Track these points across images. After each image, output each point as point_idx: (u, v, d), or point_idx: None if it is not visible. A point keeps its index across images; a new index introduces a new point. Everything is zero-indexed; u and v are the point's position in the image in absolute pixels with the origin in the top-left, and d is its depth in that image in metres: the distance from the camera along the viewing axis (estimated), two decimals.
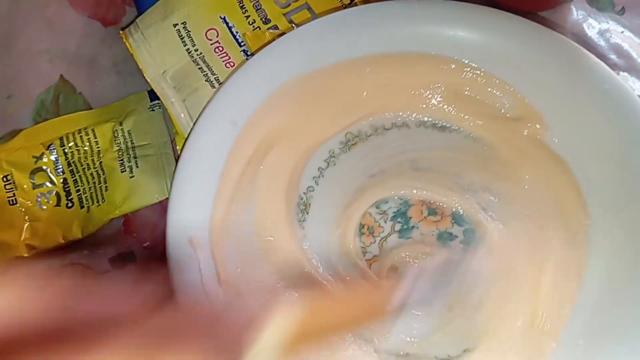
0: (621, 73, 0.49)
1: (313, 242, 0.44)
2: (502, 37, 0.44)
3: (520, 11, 0.45)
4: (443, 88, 0.45)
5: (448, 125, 0.46)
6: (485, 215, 0.43)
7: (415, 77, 0.46)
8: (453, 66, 0.45)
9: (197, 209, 0.42)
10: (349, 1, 0.48)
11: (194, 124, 0.43)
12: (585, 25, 0.51)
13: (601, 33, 0.51)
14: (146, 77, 0.46)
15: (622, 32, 0.51)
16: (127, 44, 0.47)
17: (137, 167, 0.47)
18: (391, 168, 0.45)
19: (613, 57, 0.50)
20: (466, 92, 0.45)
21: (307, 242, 0.44)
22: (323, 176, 0.45)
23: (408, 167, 0.45)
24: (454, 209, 0.44)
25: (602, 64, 0.43)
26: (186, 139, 0.43)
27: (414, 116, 0.46)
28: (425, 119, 0.46)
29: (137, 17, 0.48)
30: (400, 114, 0.46)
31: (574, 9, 0.51)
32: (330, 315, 0.30)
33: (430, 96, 0.46)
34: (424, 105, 0.46)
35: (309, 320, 0.28)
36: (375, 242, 0.44)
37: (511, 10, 0.44)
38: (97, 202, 0.46)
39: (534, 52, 0.44)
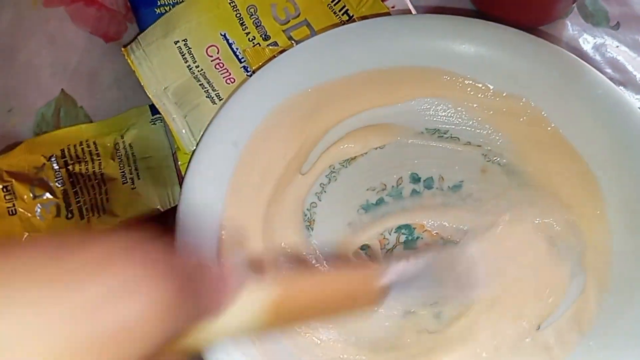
0: (617, 87, 0.50)
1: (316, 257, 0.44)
2: (492, 47, 0.45)
3: (517, 27, 0.45)
4: (440, 99, 0.46)
5: (446, 135, 0.46)
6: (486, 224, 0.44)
7: (415, 89, 0.46)
8: (446, 78, 0.46)
9: (204, 231, 0.41)
10: (347, 17, 0.49)
11: (196, 147, 0.43)
12: (581, 40, 0.52)
13: (597, 47, 0.52)
14: (148, 94, 0.46)
15: (618, 46, 0.52)
16: (129, 60, 0.47)
17: (139, 178, 0.47)
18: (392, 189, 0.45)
19: (609, 71, 0.50)
20: (466, 103, 0.46)
21: (312, 259, 0.44)
22: (325, 192, 0.45)
23: (408, 181, 0.45)
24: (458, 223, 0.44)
25: (595, 70, 0.44)
26: (189, 163, 0.42)
27: (412, 127, 0.46)
28: (424, 129, 0.46)
29: (138, 34, 0.49)
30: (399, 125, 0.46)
31: (569, 25, 0.52)
32: (311, 295, 0.29)
33: (428, 107, 0.47)
34: (424, 117, 0.47)
35: (287, 297, 0.27)
36: (380, 254, 0.44)
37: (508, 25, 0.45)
38: (98, 213, 0.46)
39: (525, 60, 0.45)
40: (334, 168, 0.46)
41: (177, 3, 0.50)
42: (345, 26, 0.46)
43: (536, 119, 0.45)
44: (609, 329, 0.39)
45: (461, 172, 0.46)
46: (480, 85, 0.46)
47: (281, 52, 0.46)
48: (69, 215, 0.45)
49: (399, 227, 0.44)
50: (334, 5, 0.49)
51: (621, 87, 0.50)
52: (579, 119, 0.44)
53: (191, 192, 0.41)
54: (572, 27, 0.52)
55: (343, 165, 0.46)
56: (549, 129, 0.44)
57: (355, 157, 0.46)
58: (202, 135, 0.43)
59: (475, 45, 0.45)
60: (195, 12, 0.48)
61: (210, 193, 0.42)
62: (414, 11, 0.49)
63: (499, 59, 0.45)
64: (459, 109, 0.46)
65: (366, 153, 0.46)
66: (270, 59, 0.46)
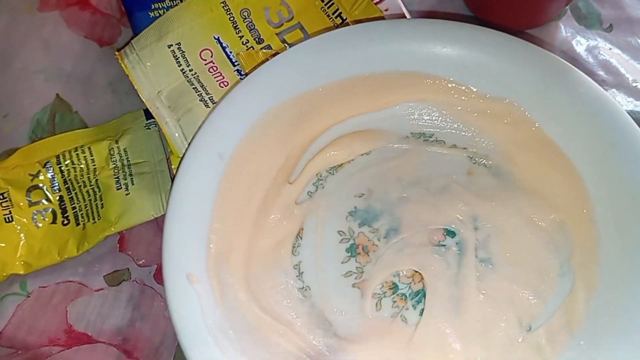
0: (610, 90, 0.50)
1: (306, 265, 0.44)
2: (473, 50, 0.45)
3: (510, 30, 0.45)
4: (424, 103, 0.47)
5: (432, 139, 0.47)
6: (474, 227, 0.44)
7: (398, 94, 0.47)
8: (429, 81, 0.46)
9: (192, 244, 0.41)
10: (341, 20, 0.49)
11: (181, 159, 0.42)
12: (574, 43, 0.52)
13: (589, 50, 0.52)
14: (141, 97, 0.46)
15: (610, 49, 0.52)
16: (122, 65, 0.47)
17: (133, 184, 0.47)
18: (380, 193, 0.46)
19: (601, 73, 0.50)
20: (450, 106, 0.46)
21: (300, 269, 0.44)
22: (312, 200, 0.45)
23: (394, 181, 0.46)
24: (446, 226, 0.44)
25: (578, 70, 0.44)
26: (174, 176, 0.42)
27: (397, 132, 0.47)
28: (409, 134, 0.47)
29: (132, 38, 0.49)
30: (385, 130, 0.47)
31: (562, 27, 0.52)
32: None
33: (412, 111, 0.47)
34: (409, 122, 0.47)
35: None
36: (371, 261, 0.44)
37: (500, 28, 0.45)
38: (93, 219, 0.46)
39: (507, 61, 0.45)
40: (320, 176, 0.46)
41: (171, 7, 0.50)
42: (326, 34, 0.46)
43: (520, 119, 0.45)
44: (599, 328, 0.40)
45: (448, 175, 0.46)
46: (463, 88, 0.46)
47: (263, 62, 0.46)
48: (65, 222, 0.45)
49: (388, 233, 0.44)
50: (327, 8, 0.49)
51: (613, 90, 0.50)
52: (562, 119, 0.44)
53: (177, 205, 0.41)
54: (565, 30, 0.53)
55: (330, 173, 0.46)
56: (533, 129, 0.45)
57: (341, 164, 0.46)
58: (187, 147, 0.43)
59: (456, 48, 0.45)
60: (188, 15, 0.48)
61: (197, 206, 0.41)
62: (407, 14, 0.49)
63: (481, 60, 0.45)
64: (443, 112, 0.47)
65: (352, 160, 0.46)
66: (252, 70, 0.46)
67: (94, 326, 0.44)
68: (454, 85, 0.46)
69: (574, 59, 0.50)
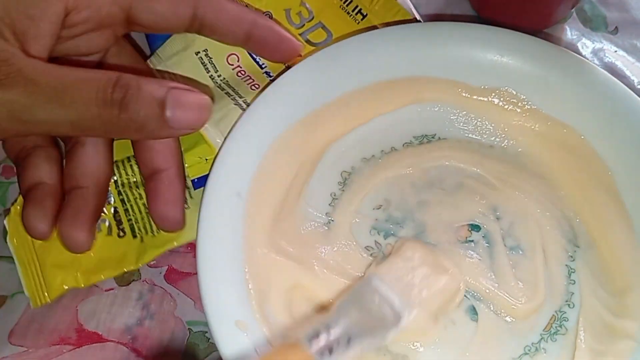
0: None
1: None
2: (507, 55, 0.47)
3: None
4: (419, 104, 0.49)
5: (434, 139, 0.48)
6: (496, 217, 0.45)
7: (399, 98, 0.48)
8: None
9: (232, 294, 0.39)
10: (361, 17, 0.50)
11: (202, 200, 0.41)
12: (579, 45, 0.54)
13: (595, 52, 0.53)
14: None
15: (616, 51, 0.53)
16: None
17: (192, 198, 0.46)
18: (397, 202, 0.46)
19: None
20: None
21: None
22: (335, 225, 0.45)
23: (409, 187, 0.46)
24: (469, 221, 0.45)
25: (596, 67, 0.46)
26: (198, 223, 0.40)
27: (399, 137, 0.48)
28: (411, 137, 0.48)
29: (152, 50, 0.49)
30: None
31: (568, 29, 0.54)
32: None
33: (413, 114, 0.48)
34: (410, 124, 0.48)
35: None
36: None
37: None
38: (152, 232, 0.45)
39: (500, 54, 0.47)
40: (335, 195, 0.46)
41: None
42: (319, 54, 0.47)
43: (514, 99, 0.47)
44: None
45: (458, 171, 0.47)
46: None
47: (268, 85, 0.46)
48: (121, 234, 0.45)
49: (415, 238, 0.44)
50: (347, 6, 0.50)
51: None
52: (557, 95, 0.46)
53: (208, 253, 0.40)
54: (570, 32, 0.54)
55: (341, 190, 0.46)
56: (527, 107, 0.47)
57: (352, 179, 0.47)
58: (204, 190, 0.42)
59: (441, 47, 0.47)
60: None
61: (227, 250, 0.41)
62: (415, 13, 0.50)
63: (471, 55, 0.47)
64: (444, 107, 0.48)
65: (361, 172, 0.47)
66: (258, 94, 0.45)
67: (104, 325, 0.45)
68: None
69: None
